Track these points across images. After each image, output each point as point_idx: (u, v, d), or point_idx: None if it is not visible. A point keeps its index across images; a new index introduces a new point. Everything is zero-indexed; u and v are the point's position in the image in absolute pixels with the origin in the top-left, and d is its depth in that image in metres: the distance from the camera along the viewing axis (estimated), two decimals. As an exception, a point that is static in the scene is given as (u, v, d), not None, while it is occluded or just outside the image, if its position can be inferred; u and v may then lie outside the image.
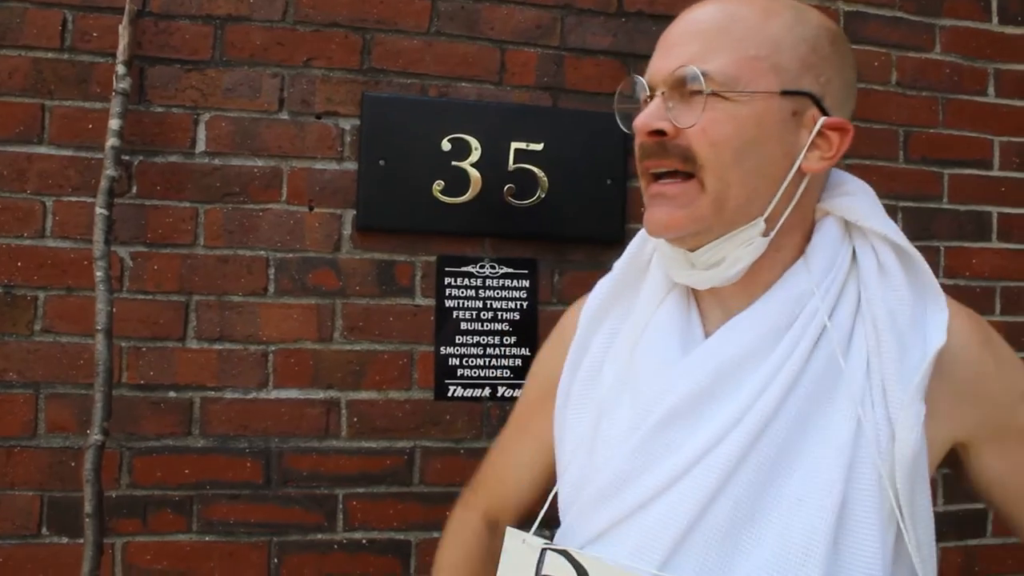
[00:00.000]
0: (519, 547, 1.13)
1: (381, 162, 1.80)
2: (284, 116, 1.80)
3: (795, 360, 1.05)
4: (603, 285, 1.22)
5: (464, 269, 1.84)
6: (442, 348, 1.85)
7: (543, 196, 1.85)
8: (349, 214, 1.82)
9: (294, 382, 1.79)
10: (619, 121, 1.14)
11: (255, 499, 1.77)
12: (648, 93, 1.09)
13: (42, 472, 1.69)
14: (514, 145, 1.84)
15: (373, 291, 1.82)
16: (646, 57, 1.13)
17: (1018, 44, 2.26)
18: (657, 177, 1.08)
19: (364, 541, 1.80)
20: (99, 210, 1.61)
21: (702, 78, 1.02)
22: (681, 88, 1.05)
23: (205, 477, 1.75)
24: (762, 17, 1.07)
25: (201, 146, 1.77)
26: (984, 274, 2.22)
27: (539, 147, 1.84)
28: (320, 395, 1.79)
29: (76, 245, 1.71)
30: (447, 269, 1.83)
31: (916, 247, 2.08)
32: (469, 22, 1.89)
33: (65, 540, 1.69)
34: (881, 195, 2.11)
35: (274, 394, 1.78)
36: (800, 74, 1.06)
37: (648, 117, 1.05)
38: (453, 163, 1.82)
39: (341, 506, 1.80)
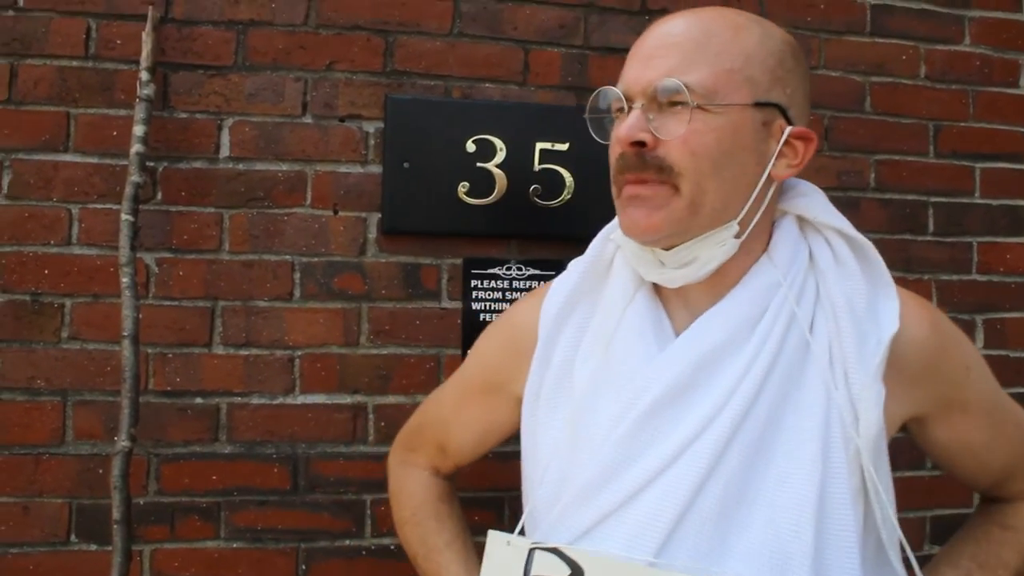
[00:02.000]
0: (503, 550, 1.12)
1: (405, 164, 1.79)
2: (308, 120, 1.80)
3: (770, 347, 1.12)
4: (562, 288, 1.25)
5: (490, 271, 1.83)
6: (469, 351, 1.83)
7: (569, 196, 1.83)
8: (374, 217, 1.81)
9: (321, 387, 1.78)
10: (592, 131, 1.18)
11: (282, 505, 1.76)
12: (623, 104, 1.13)
13: (70, 479, 1.69)
14: (539, 145, 1.83)
15: (399, 294, 1.81)
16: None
17: (1050, 35, 2.23)
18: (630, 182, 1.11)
19: (392, 547, 1.79)
20: (124, 216, 1.61)
21: (686, 90, 1.07)
22: (661, 100, 1.09)
23: (232, 484, 1.75)
24: (734, 32, 1.12)
25: (225, 151, 1.76)
26: (1019, 269, 2.18)
27: (564, 147, 1.83)
28: (347, 400, 1.78)
29: (102, 252, 1.71)
30: (473, 271, 1.82)
31: (948, 243, 2.07)
32: (492, 23, 1.87)
33: (94, 547, 1.69)
34: (912, 190, 2.11)
35: (300, 399, 1.77)
36: (770, 86, 1.12)
37: (631, 129, 1.09)
38: (478, 164, 1.81)
39: (369, 512, 1.79)
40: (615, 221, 1.21)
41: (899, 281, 2.05)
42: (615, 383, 1.16)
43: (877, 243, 2.02)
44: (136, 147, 1.63)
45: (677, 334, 1.17)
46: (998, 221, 2.17)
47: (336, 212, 1.80)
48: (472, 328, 1.81)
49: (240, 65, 1.77)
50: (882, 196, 2.08)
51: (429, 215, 1.80)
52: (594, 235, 1.26)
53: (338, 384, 1.78)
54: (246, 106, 1.77)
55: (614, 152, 1.14)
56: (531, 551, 1.11)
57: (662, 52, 1.11)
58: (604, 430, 1.14)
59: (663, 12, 1.94)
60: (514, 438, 1.32)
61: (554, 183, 1.83)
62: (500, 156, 1.80)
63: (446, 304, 1.83)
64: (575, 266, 1.27)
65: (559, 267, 1.85)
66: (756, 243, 1.17)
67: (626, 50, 1.18)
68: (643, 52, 1.13)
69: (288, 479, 1.76)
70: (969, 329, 2.13)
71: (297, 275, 1.78)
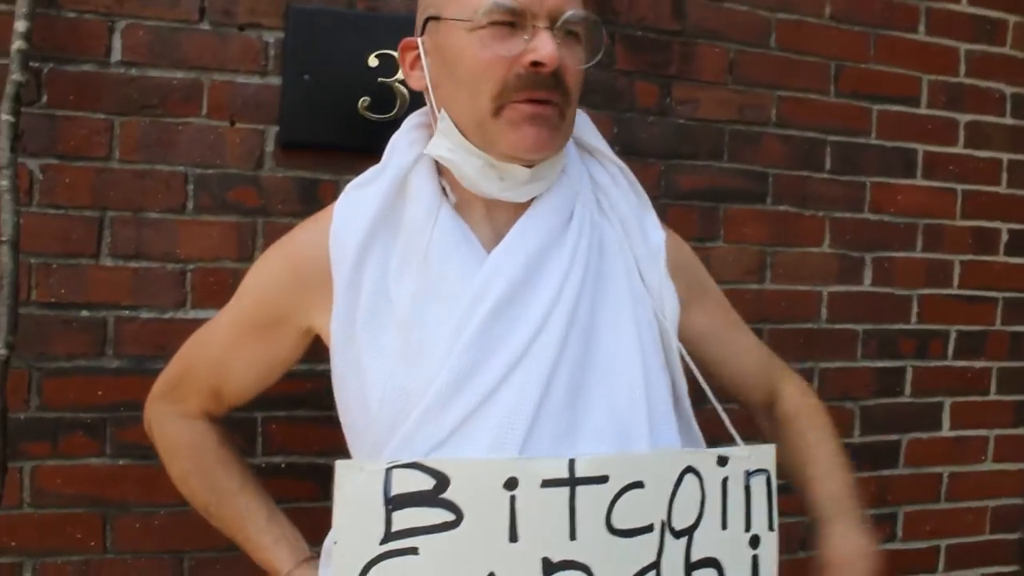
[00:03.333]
0: (356, 478, 1.09)
1: (305, 77, 1.74)
2: (205, 27, 1.73)
3: (583, 245, 1.24)
4: (363, 213, 1.25)
5: (389, 189, 1.80)
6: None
7: (472, 118, 1.81)
8: (272, 130, 1.76)
9: (213, 302, 1.72)
10: (487, 46, 1.17)
11: (172, 422, 1.72)
12: (520, 19, 1.15)
13: (-55, 391, 1.62)
14: (443, 63, 1.79)
15: (295, 209, 1.76)
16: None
17: (950, -17, 2.28)
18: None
19: (283, 465, 1.78)
20: (4, 117, 1.52)
21: (602, 27, 1.23)
22: (564, 28, 1.16)
23: (119, 399, 1.70)
24: None
25: (117, 56, 1.68)
26: (908, 211, 2.25)
27: (469, 67, 1.80)
28: (240, 316, 1.75)
29: (-19, 155, 1.63)
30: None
31: (843, 181, 2.15)
32: (401, -66, 1.82)
33: (-31, 461, 1.63)
34: (810, 128, 2.15)
35: (192, 314, 1.73)
36: None
37: (558, 51, 1.14)
38: (380, 79, 1.76)
39: (260, 429, 1.77)
40: (403, 140, 1.30)
41: (794, 216, 2.12)
42: (442, 295, 1.20)
43: (776, 178, 2.09)
44: (18, 43, 1.54)
45: (485, 247, 1.23)
46: (891, 162, 2.24)
47: (233, 123, 1.74)
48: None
49: (134, -36, 1.69)
50: (783, 132, 2.12)
51: (328, 129, 1.76)
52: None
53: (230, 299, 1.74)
54: (140, 8, 1.69)
55: (501, 66, 1.15)
56: (388, 471, 1.09)
57: None
58: (447, 340, 1.17)
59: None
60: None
61: (458, 103, 1.80)
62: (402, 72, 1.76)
63: (345, 222, 1.80)
64: (357, 190, 1.29)
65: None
66: None
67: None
68: None
69: (178, 395, 1.73)
70: (858, 266, 2.20)
71: (191, 187, 1.73)
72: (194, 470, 1.41)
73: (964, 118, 2.31)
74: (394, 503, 1.08)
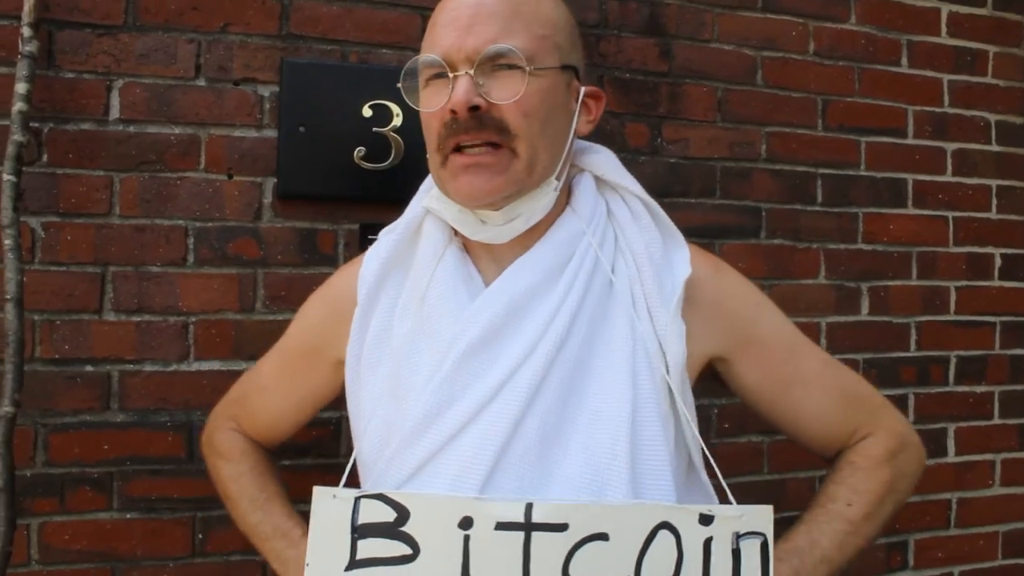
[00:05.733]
0: (329, 503, 1.14)
1: (301, 129, 1.77)
2: (201, 83, 1.76)
3: (577, 289, 1.22)
4: (376, 256, 1.31)
5: (387, 235, 1.82)
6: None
7: (466, 163, 1.84)
8: (269, 182, 1.79)
9: (216, 353, 1.75)
10: (407, 98, 1.23)
11: (177, 474, 1.73)
12: (443, 70, 1.18)
13: (-48, 450, 1.63)
14: (436, 111, 1.83)
15: (295, 260, 1.79)
16: None
17: (928, 17, 2.33)
18: (461, 149, 1.18)
19: (291, 513, 1.78)
20: (6, 176, 1.55)
21: (522, 55, 1.15)
22: (489, 65, 1.16)
23: (125, 453, 1.71)
24: (537, 2, 1.21)
25: (115, 113, 1.72)
26: (901, 239, 2.27)
27: (461, 113, 1.83)
28: (243, 366, 1.75)
29: (-16, 215, 1.65)
30: (370, 236, 1.80)
31: (835, 213, 2.17)
32: (389, -12, 1.87)
33: (-22, 519, 1.63)
34: (800, 162, 2.17)
35: (195, 366, 1.74)
36: (569, 50, 1.24)
37: (467, 93, 1.15)
38: (374, 129, 1.79)
39: (266, 479, 1.77)
40: (424, 187, 1.33)
41: (789, 249, 2.14)
42: (432, 334, 1.22)
43: (769, 212, 2.12)
44: (19, 105, 1.57)
45: (488, 286, 1.24)
46: (882, 193, 2.26)
47: (231, 176, 1.77)
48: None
49: (130, 25, 1.72)
50: (773, 167, 2.14)
51: (325, 180, 1.79)
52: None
53: (233, 350, 1.76)
54: (137, 67, 1.73)
55: (436, 119, 1.18)
56: (357, 500, 1.13)
57: (482, 20, 1.17)
58: (424, 377, 1.20)
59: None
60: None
61: (452, 149, 1.83)
62: (397, 121, 1.80)
63: (344, 270, 1.82)
64: (386, 235, 1.34)
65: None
66: (561, 196, 1.27)
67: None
68: (461, 21, 1.18)
69: (182, 447, 1.73)
70: (854, 296, 2.21)
71: (191, 240, 1.75)
72: (248, 471, 1.45)
73: (951, 147, 2.34)
74: (360, 532, 1.12)
